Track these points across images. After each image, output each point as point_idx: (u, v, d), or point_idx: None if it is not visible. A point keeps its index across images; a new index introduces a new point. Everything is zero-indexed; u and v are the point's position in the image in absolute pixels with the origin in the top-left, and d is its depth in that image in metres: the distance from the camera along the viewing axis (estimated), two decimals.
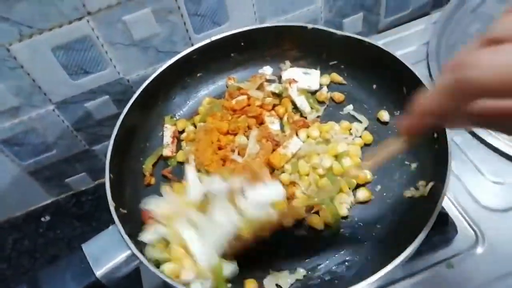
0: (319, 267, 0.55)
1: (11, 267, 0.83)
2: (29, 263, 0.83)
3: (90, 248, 0.52)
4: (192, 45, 0.72)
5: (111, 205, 0.55)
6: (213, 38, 0.71)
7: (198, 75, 0.74)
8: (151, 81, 0.67)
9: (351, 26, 0.88)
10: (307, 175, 0.60)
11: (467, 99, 0.30)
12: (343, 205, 0.57)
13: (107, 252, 0.52)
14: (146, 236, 0.51)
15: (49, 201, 0.89)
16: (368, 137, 0.65)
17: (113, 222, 0.54)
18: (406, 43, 0.84)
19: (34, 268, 0.82)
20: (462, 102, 0.31)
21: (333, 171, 0.59)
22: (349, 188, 0.59)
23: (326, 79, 0.73)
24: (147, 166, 0.67)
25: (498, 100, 0.29)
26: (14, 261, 0.84)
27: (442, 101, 0.33)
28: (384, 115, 0.66)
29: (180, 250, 0.49)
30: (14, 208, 0.87)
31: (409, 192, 0.58)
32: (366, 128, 0.66)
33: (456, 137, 0.67)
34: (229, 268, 0.49)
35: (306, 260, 0.56)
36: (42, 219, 0.87)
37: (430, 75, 0.75)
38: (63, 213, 0.88)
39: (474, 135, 0.67)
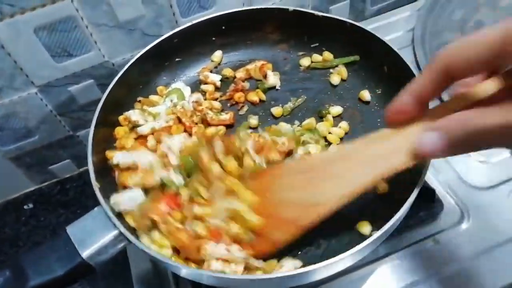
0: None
1: None
2: (12, 251, 0.81)
3: (74, 230, 0.51)
4: None
5: (95, 186, 0.54)
6: (194, 21, 0.70)
7: (177, 59, 0.73)
8: (132, 63, 0.66)
9: (338, 13, 0.88)
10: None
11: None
12: None
13: (93, 234, 0.51)
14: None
15: (32, 189, 0.87)
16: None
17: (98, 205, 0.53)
18: (392, 29, 0.85)
19: (17, 255, 0.80)
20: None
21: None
22: None
23: (307, 61, 0.73)
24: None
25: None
26: None
27: (427, 81, 0.36)
28: (366, 95, 0.67)
29: None
30: None
31: None
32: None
33: None
34: None
35: None
36: (25, 206, 0.85)
37: (416, 61, 0.76)
38: (47, 201, 0.86)
39: None
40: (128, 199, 0.56)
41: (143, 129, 0.62)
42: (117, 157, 0.58)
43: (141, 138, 0.63)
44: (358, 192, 0.45)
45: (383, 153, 0.43)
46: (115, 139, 0.64)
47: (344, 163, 0.46)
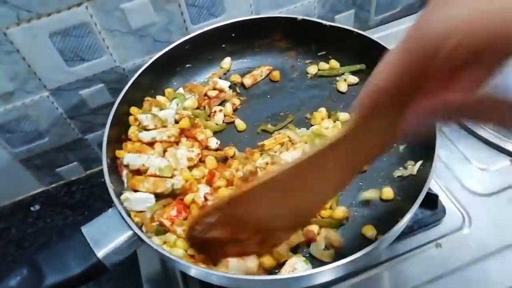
0: None
1: None
2: (18, 252, 0.82)
3: (89, 230, 0.53)
4: None
5: (110, 187, 0.56)
6: (206, 29, 0.72)
7: (188, 65, 0.75)
8: (144, 70, 0.68)
9: (343, 23, 0.90)
10: None
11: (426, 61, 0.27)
12: None
13: (107, 234, 0.52)
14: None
15: (39, 190, 0.88)
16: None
17: (111, 207, 0.54)
18: (396, 39, 0.86)
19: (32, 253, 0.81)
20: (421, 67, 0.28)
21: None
22: None
23: (314, 69, 0.75)
24: None
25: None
26: (1, 250, 0.82)
27: (399, 70, 0.30)
28: None
29: None
30: (2, 197, 0.86)
31: (399, 172, 0.60)
32: None
33: (445, 128, 0.70)
34: None
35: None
36: (32, 208, 0.86)
37: None
38: (53, 203, 0.87)
39: (461, 125, 0.70)
40: (139, 200, 0.57)
41: (144, 136, 0.64)
42: (127, 158, 0.60)
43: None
44: (332, 197, 0.50)
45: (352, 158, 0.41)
46: (124, 140, 0.65)
47: (312, 172, 0.42)
